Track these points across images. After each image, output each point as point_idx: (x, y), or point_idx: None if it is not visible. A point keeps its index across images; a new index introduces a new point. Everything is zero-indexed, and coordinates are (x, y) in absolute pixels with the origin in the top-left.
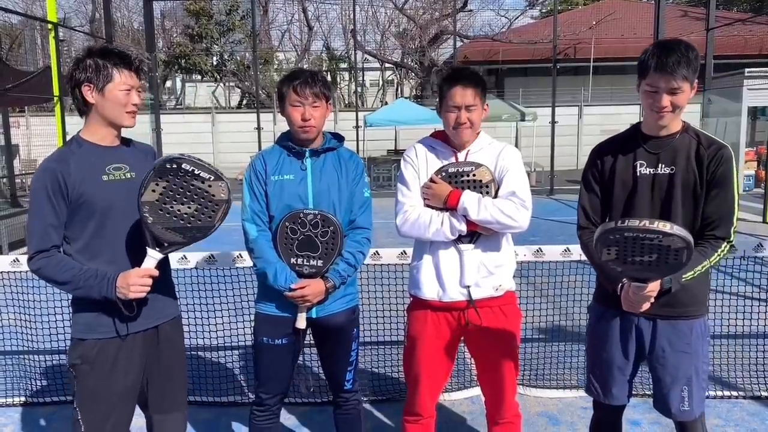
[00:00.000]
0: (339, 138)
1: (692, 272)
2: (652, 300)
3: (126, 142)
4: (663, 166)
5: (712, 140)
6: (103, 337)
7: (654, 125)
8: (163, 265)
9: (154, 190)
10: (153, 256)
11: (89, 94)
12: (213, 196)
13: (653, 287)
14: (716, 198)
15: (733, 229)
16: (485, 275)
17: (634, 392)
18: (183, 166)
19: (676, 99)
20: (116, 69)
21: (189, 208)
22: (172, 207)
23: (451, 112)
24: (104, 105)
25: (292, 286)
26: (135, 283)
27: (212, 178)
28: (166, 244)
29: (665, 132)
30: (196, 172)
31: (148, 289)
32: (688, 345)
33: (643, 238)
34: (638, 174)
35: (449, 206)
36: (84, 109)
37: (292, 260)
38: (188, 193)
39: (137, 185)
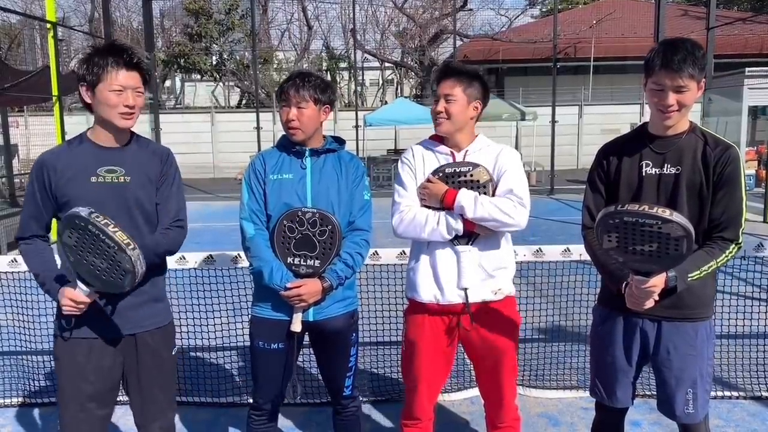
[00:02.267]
0: (340, 141)
1: (698, 272)
2: (656, 297)
3: (138, 143)
4: (669, 166)
5: (719, 140)
6: (71, 336)
7: (660, 125)
8: (154, 271)
9: (70, 236)
10: (80, 287)
11: (85, 95)
12: (119, 263)
13: (656, 282)
14: (723, 199)
15: (741, 230)
16: (484, 278)
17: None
18: (89, 227)
19: (682, 97)
20: (108, 68)
21: (101, 264)
22: (87, 258)
23: (434, 102)
24: (97, 105)
25: (288, 285)
26: (65, 304)
27: (116, 248)
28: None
29: (672, 132)
30: (101, 236)
31: (79, 312)
32: (693, 347)
33: (642, 223)
34: (644, 174)
35: (446, 206)
36: (89, 107)
37: (289, 260)
38: (98, 251)
39: (130, 190)
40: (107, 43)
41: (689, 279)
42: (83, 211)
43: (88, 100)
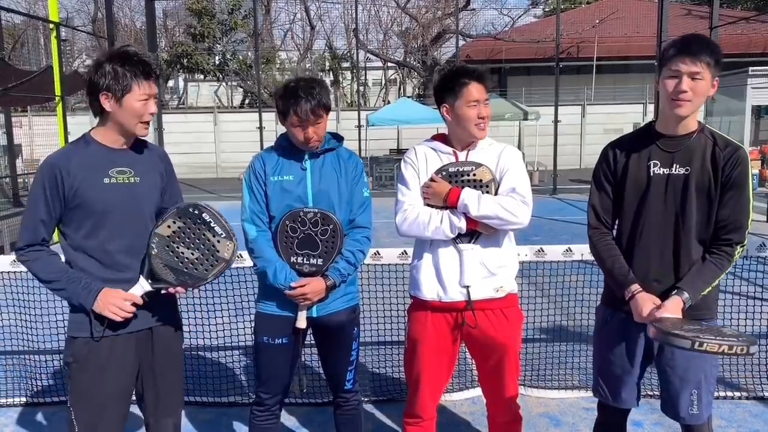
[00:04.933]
0: (338, 138)
1: (709, 288)
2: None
3: (138, 144)
4: (678, 166)
5: (728, 141)
6: (93, 335)
7: (671, 116)
8: None
9: (169, 226)
10: (142, 285)
11: (106, 103)
12: (217, 251)
13: (673, 309)
14: (731, 201)
15: (747, 232)
16: (486, 275)
17: None
18: (203, 215)
19: (696, 85)
20: (135, 79)
21: (192, 254)
22: (178, 247)
23: (471, 107)
24: (121, 114)
25: (292, 285)
26: (115, 303)
27: (224, 235)
28: (157, 278)
29: (681, 131)
30: (212, 224)
31: (128, 315)
32: None
33: None
34: (652, 174)
35: (449, 204)
36: (100, 112)
37: (292, 259)
38: (197, 241)
39: (140, 190)
40: (124, 50)
41: (700, 295)
42: (201, 203)
43: (109, 109)
